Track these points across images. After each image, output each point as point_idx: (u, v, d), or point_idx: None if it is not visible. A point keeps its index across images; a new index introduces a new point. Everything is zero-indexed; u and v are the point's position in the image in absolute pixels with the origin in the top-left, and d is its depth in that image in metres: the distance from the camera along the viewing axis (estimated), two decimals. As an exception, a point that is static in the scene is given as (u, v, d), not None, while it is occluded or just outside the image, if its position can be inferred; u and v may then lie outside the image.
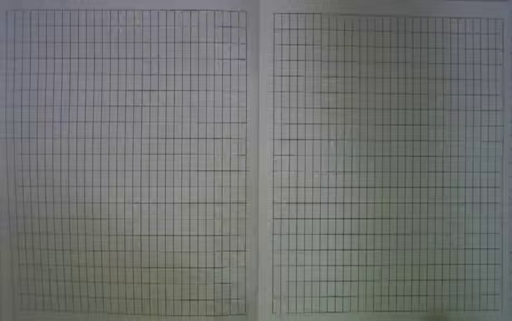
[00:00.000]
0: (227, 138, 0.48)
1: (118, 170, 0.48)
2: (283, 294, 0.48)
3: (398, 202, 0.49)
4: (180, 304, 0.48)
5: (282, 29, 0.48)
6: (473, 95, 0.49)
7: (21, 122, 0.48)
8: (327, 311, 0.48)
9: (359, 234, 0.48)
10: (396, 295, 0.49)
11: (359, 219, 0.48)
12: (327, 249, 0.48)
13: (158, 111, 0.48)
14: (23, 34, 0.48)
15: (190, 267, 0.48)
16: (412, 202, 0.49)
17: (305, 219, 0.48)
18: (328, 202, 0.48)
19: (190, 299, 0.48)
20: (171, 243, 0.48)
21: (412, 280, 0.49)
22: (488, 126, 0.49)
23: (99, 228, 0.48)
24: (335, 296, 0.48)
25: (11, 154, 0.48)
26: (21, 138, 0.48)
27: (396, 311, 0.49)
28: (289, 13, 0.48)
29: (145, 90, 0.48)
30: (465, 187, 0.49)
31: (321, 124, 0.48)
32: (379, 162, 0.49)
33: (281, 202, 0.48)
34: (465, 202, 0.49)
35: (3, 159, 0.48)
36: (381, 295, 0.49)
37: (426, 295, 0.49)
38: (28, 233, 0.48)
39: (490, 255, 0.49)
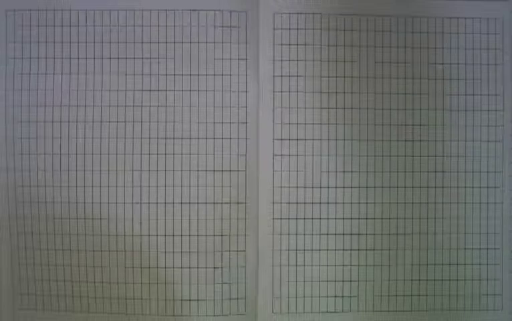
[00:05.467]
0: (227, 138, 0.48)
1: (118, 170, 0.48)
2: (283, 294, 0.48)
3: (398, 202, 0.49)
4: (180, 304, 0.48)
5: (282, 29, 0.48)
6: (473, 95, 0.49)
7: (21, 122, 0.48)
8: (327, 311, 0.48)
9: (359, 234, 0.48)
10: (396, 296, 0.49)
11: (359, 219, 0.48)
12: (327, 249, 0.48)
13: (158, 111, 0.48)
14: (23, 34, 0.48)
15: (190, 267, 0.48)
16: (412, 202, 0.49)
17: (305, 219, 0.48)
18: (328, 203, 0.48)
19: (190, 299, 0.48)
20: (171, 243, 0.48)
21: (412, 280, 0.49)
22: (488, 126, 0.49)
23: (99, 228, 0.48)
24: (335, 296, 0.48)
25: (11, 154, 0.48)
26: (21, 138, 0.48)
27: (396, 311, 0.49)
28: (289, 13, 0.48)
29: (145, 90, 0.48)
30: (465, 187, 0.49)
31: (321, 124, 0.48)
32: (379, 162, 0.49)
33: (281, 203, 0.48)
34: (465, 202, 0.49)
35: (3, 159, 0.48)
36: (381, 296, 0.49)
37: (426, 295, 0.49)
38: (28, 233, 0.48)
39: (490, 255, 0.49)
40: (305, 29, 0.48)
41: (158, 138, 0.48)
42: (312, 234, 0.48)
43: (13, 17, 0.48)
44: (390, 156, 0.49)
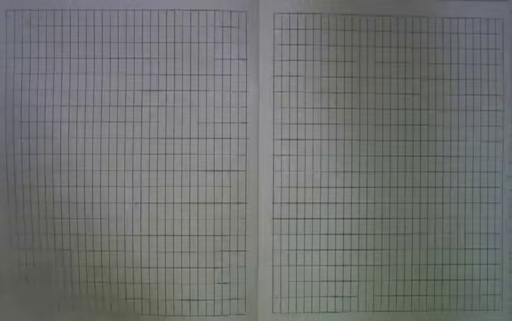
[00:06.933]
0: (227, 138, 0.48)
1: (118, 170, 0.48)
2: (283, 294, 0.48)
3: (397, 202, 0.49)
4: (180, 304, 0.48)
5: (282, 29, 0.48)
6: (473, 95, 0.49)
7: (21, 122, 0.48)
8: (327, 311, 0.48)
9: (359, 234, 0.48)
10: (396, 295, 0.49)
11: (359, 218, 0.48)
12: (327, 249, 0.48)
13: (158, 111, 0.48)
14: (22, 34, 0.48)
15: (190, 267, 0.48)
16: (412, 202, 0.49)
17: (305, 219, 0.48)
18: (328, 202, 0.48)
19: (190, 299, 0.48)
20: (171, 243, 0.48)
21: (412, 280, 0.49)
22: (488, 126, 0.49)
23: (99, 228, 0.48)
24: (335, 296, 0.48)
25: (11, 154, 0.48)
26: (21, 138, 0.48)
27: (396, 311, 0.49)
28: (289, 13, 0.48)
29: (145, 90, 0.48)
30: (465, 187, 0.49)
31: (321, 124, 0.48)
32: (379, 162, 0.49)
33: (281, 202, 0.48)
34: (465, 202, 0.49)
35: (3, 159, 0.48)
36: (381, 296, 0.49)
37: (426, 295, 0.49)
38: (28, 232, 0.48)
39: (490, 255, 0.49)
40: (305, 29, 0.48)
41: (158, 138, 0.48)
42: (312, 234, 0.48)
43: (13, 17, 0.48)
44: (390, 156, 0.49)
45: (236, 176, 0.48)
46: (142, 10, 0.48)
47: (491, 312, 0.49)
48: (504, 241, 0.49)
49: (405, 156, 0.49)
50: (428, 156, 0.49)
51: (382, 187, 0.48)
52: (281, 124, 0.48)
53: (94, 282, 0.48)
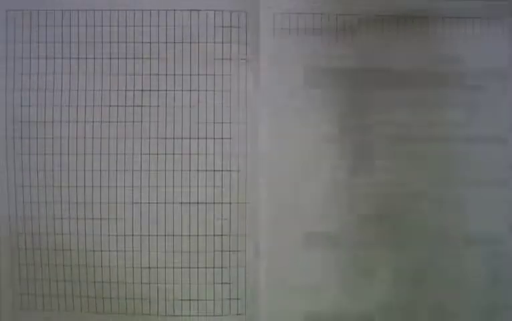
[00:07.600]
0: (227, 138, 0.48)
1: (118, 170, 0.48)
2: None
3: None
4: (180, 304, 0.48)
5: (282, 29, 0.48)
6: (473, 95, 0.49)
7: (21, 122, 0.48)
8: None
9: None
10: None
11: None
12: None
13: (157, 111, 0.48)
14: (23, 34, 0.48)
15: (190, 268, 0.48)
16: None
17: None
18: (328, 202, 0.48)
19: (190, 299, 0.48)
20: (171, 243, 0.48)
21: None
22: (488, 126, 0.49)
23: (99, 228, 0.48)
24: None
25: (11, 154, 0.48)
26: (21, 138, 0.48)
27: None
28: (289, 13, 0.48)
29: (145, 90, 0.48)
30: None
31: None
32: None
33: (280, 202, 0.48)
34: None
35: (3, 159, 0.48)
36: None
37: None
38: (28, 233, 0.48)
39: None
40: (305, 28, 0.48)
41: (158, 138, 0.48)
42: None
43: (13, 17, 0.48)
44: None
45: (236, 176, 0.48)
46: (142, 10, 0.48)
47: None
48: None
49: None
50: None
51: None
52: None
53: (94, 282, 0.48)
